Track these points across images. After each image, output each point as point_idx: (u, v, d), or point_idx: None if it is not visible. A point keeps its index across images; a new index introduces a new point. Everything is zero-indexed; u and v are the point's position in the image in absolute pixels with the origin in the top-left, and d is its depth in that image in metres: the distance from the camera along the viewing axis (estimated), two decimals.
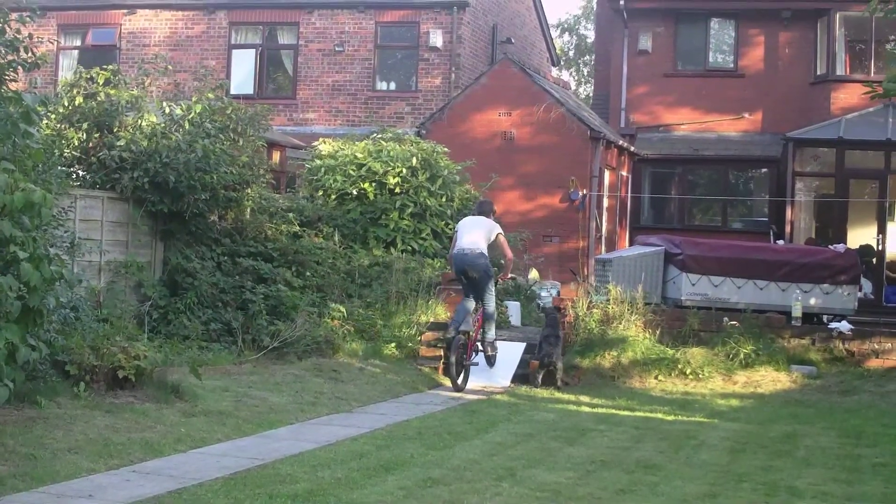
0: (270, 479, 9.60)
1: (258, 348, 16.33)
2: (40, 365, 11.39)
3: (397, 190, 21.31)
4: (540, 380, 17.19)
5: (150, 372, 12.67)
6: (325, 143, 23.09)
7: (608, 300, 19.06)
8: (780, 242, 25.86)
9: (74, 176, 16.27)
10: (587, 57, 56.64)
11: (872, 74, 27.68)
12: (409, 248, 20.98)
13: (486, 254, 16.66)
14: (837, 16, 29.35)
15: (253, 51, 31.42)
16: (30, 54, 13.43)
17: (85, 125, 16.81)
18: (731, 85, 31.22)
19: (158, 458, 10.28)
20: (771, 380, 17.82)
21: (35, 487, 8.84)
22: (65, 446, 10.14)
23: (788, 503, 9.67)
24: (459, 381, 16.37)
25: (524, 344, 18.27)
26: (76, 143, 16.71)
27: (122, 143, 16.51)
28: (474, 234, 16.65)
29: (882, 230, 26.26)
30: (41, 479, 9.06)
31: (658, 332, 18.78)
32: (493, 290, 16.86)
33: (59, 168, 14.37)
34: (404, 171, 21.40)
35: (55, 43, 31.08)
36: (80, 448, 10.17)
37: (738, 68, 31.26)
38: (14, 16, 12.51)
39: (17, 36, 13.15)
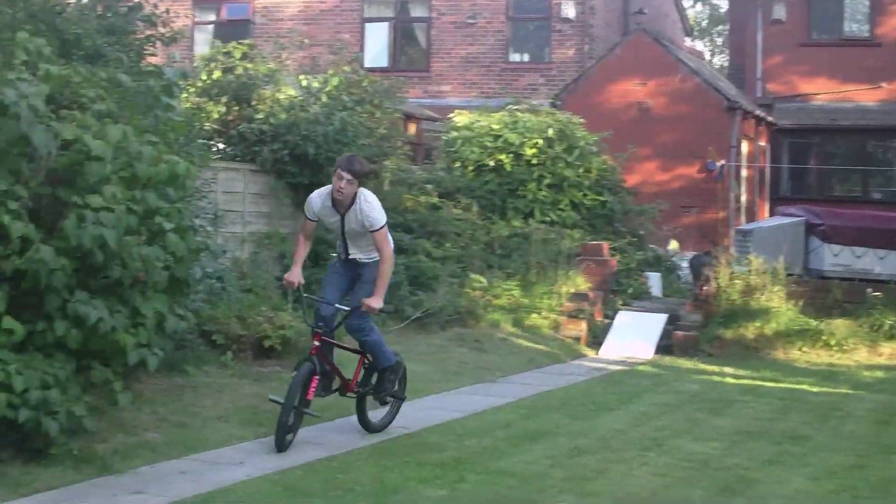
0: (417, 448, 9.62)
1: (400, 318, 16.32)
2: (188, 334, 11.47)
3: (534, 161, 21.13)
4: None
5: (296, 342, 12.73)
6: (460, 114, 22.98)
7: (749, 271, 18.77)
8: None
9: (214, 149, 16.37)
10: (720, 27, 55.92)
11: None
12: (548, 218, 20.77)
13: None
14: None
15: (386, 24, 31.37)
16: (167, 29, 13.57)
17: (224, 99, 16.88)
18: (867, 54, 30.45)
19: (307, 426, 10.31)
20: None
21: (186, 455, 8.95)
22: (214, 414, 10.25)
23: None
24: None
25: (666, 315, 18.10)
26: (216, 117, 16.81)
27: (260, 116, 16.57)
28: None
29: None
30: (192, 447, 9.17)
31: (801, 304, 18.45)
32: None
33: (200, 141, 14.45)
34: (540, 142, 21.21)
35: (190, 17, 31.42)
36: (229, 416, 10.29)
37: (874, 37, 30.52)
38: None
39: (155, 11, 13.31)
